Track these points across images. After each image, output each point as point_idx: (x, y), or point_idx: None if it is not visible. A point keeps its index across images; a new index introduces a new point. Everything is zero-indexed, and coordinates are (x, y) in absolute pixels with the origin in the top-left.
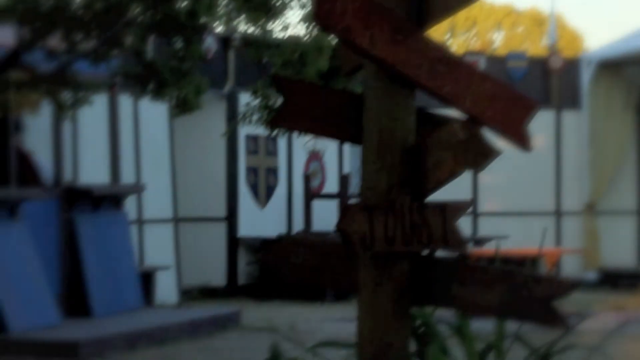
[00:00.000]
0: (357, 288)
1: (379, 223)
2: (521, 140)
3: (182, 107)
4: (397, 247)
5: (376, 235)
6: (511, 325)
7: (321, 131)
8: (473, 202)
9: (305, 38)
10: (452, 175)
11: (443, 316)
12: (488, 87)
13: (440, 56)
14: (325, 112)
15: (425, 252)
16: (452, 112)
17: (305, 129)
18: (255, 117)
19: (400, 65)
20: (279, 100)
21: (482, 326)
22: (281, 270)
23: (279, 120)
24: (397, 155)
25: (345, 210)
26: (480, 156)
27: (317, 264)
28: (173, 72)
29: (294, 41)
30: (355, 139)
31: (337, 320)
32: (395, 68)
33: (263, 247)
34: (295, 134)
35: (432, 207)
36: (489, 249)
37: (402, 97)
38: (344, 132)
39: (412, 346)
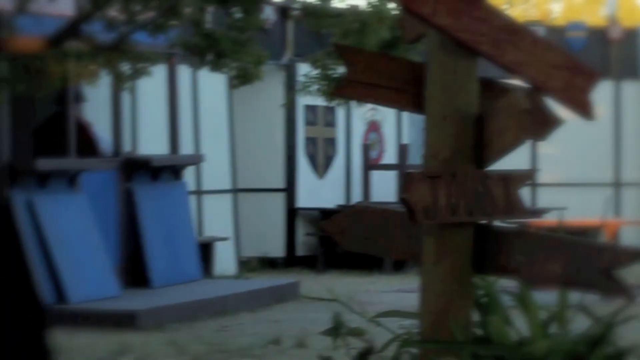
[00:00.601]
0: (419, 258)
1: (442, 192)
2: (585, 109)
3: (242, 78)
4: (460, 216)
5: (439, 204)
6: (574, 295)
7: (383, 100)
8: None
9: (366, 7)
10: (515, 144)
11: (506, 286)
12: (551, 56)
13: (504, 24)
14: (388, 81)
15: (487, 221)
16: (515, 81)
17: (367, 98)
18: (314, 88)
19: (463, 34)
20: (338, 71)
21: (545, 296)
22: (343, 239)
23: (341, 89)
24: (459, 124)
25: (408, 180)
26: (543, 125)
27: (380, 234)
28: (232, 42)
29: (354, 11)
30: (417, 108)
31: (395, 291)
32: (458, 36)
33: (325, 217)
34: (353, 104)
35: (495, 176)
36: (547, 219)
37: (465, 66)
38: (406, 101)
39: (475, 316)
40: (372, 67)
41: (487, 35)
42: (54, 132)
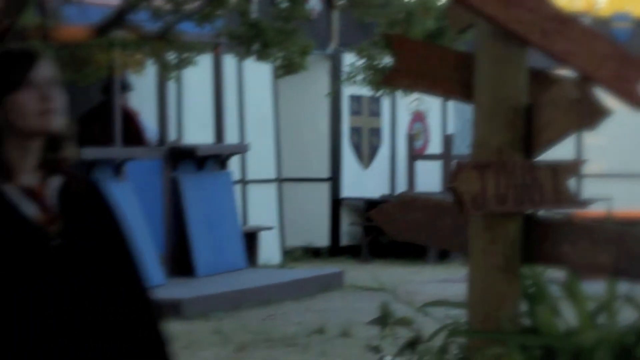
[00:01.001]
0: (467, 248)
1: (490, 182)
2: (633, 99)
3: (287, 67)
4: (508, 206)
5: (488, 194)
6: (622, 286)
7: (432, 89)
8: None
9: None
10: (564, 134)
11: (554, 276)
12: (600, 45)
13: (553, 14)
14: (437, 71)
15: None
16: (564, 71)
17: (416, 87)
18: (359, 78)
19: (512, 24)
20: (384, 61)
21: (593, 287)
22: (391, 229)
23: (390, 78)
24: (508, 114)
25: (457, 169)
26: (592, 115)
27: (428, 223)
28: (278, 32)
29: (399, 1)
30: (466, 97)
31: (440, 281)
32: (508, 26)
33: (370, 207)
34: (399, 94)
35: (544, 166)
36: (593, 210)
37: (514, 56)
38: (455, 90)
39: (523, 306)
40: (420, 57)
41: (536, 25)
42: (100, 120)
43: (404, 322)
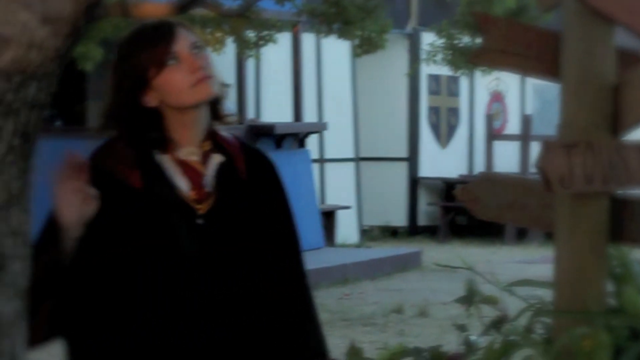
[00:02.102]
0: (553, 228)
1: (577, 162)
2: None
3: (366, 46)
4: (595, 186)
5: (575, 173)
6: None
7: (520, 68)
8: None
9: None
10: None
11: None
12: None
13: None
14: (525, 49)
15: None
16: None
17: (504, 66)
18: (439, 57)
19: (600, 2)
20: (463, 40)
21: None
22: (476, 208)
23: (478, 57)
24: (595, 93)
25: (544, 149)
26: None
27: (513, 203)
28: (358, 10)
29: None
30: (554, 76)
31: (518, 262)
32: (595, 4)
33: (448, 187)
34: (477, 74)
35: (631, 145)
36: None
37: (602, 34)
38: (543, 69)
39: (609, 287)
40: (508, 35)
41: (624, 3)
42: None
43: (490, 301)
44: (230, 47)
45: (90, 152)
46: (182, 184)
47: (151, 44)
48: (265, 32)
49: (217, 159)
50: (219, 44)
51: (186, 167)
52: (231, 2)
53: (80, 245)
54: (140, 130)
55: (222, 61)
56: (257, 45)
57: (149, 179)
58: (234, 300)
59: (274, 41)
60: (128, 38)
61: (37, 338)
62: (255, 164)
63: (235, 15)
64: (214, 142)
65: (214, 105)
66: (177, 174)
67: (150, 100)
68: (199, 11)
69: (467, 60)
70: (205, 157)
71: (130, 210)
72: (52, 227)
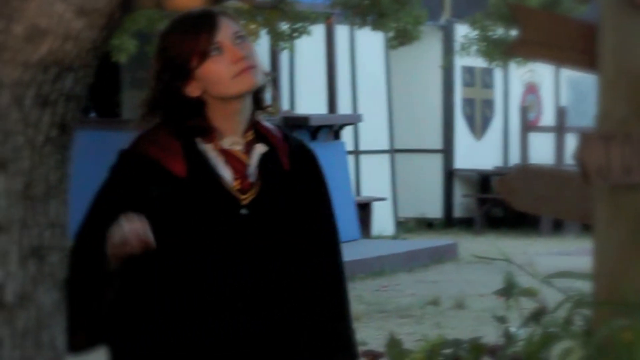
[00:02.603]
0: (591, 220)
1: (615, 153)
2: None
3: (401, 38)
4: (634, 177)
5: (613, 165)
6: None
7: (557, 60)
8: None
9: None
10: None
11: None
12: None
13: None
14: (562, 41)
15: None
16: None
17: (541, 58)
18: (473, 49)
19: None
20: (497, 31)
21: None
22: (514, 199)
23: (515, 49)
24: (633, 85)
25: (582, 140)
26: None
27: (551, 195)
28: (392, 2)
29: None
30: (592, 68)
31: (554, 254)
32: None
33: (483, 179)
34: (512, 66)
35: None
36: None
37: (638, 25)
38: (580, 60)
39: None
40: (545, 27)
41: None
42: None
43: (530, 293)
44: (263, 39)
45: (132, 139)
46: (226, 173)
47: (194, 34)
48: (299, 24)
49: (260, 149)
50: (253, 36)
51: (229, 157)
52: None
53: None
54: (182, 119)
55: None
56: (291, 37)
57: (193, 168)
58: (271, 292)
59: (308, 33)
60: (170, 27)
61: (80, 344)
62: (297, 155)
63: (269, 7)
64: (257, 132)
65: (257, 95)
66: (220, 163)
67: (193, 90)
68: (232, 3)
69: (501, 52)
70: (248, 147)
71: (175, 198)
72: (97, 238)
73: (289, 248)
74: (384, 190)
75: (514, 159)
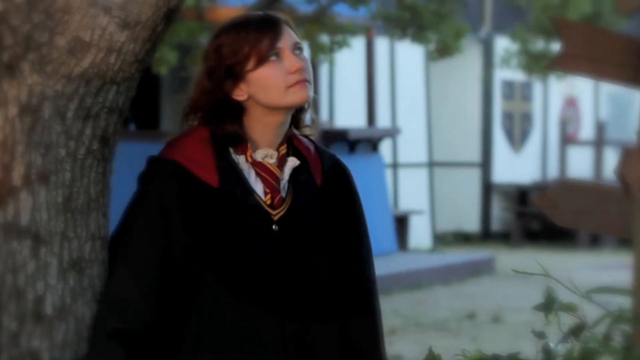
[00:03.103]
0: (632, 234)
1: None
2: None
3: (441, 50)
4: None
5: None
6: None
7: (601, 74)
8: None
9: None
10: None
11: None
12: None
13: None
14: (606, 55)
15: None
16: None
17: (584, 72)
18: (513, 62)
19: None
20: (538, 45)
21: None
22: (555, 214)
23: (558, 62)
24: None
25: (624, 155)
26: None
27: (592, 209)
28: (433, 14)
29: None
30: (636, 83)
31: (592, 268)
32: None
33: (521, 192)
34: (551, 79)
35: None
36: None
37: None
38: (624, 75)
39: None
40: (589, 41)
41: None
42: None
43: (570, 308)
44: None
45: (166, 145)
46: (258, 187)
47: (257, 35)
48: (339, 37)
49: (292, 162)
50: None
51: (262, 170)
52: (306, 6)
53: (156, 247)
54: (222, 122)
55: None
56: (331, 49)
57: (225, 179)
58: (303, 308)
59: (348, 45)
60: (230, 25)
61: None
62: (330, 170)
63: (310, 19)
64: (291, 144)
65: (297, 112)
66: (252, 176)
67: (240, 93)
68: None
69: (542, 65)
70: (281, 161)
71: (207, 209)
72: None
73: (319, 264)
74: (422, 203)
75: (552, 172)
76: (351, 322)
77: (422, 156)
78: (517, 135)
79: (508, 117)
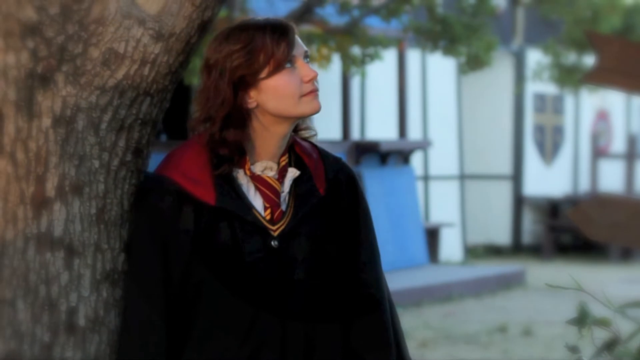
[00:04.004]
0: None
1: None
2: None
3: (473, 63)
4: None
5: None
6: None
7: (633, 88)
8: None
9: None
10: None
11: None
12: None
13: None
14: (639, 69)
15: None
16: None
17: (620, 87)
18: (545, 75)
19: None
20: (570, 58)
21: None
22: (589, 228)
23: (592, 77)
24: None
25: None
26: None
27: (627, 224)
28: (465, 27)
29: None
30: None
31: (624, 282)
32: None
33: (552, 206)
34: (583, 93)
35: None
36: None
37: None
38: None
39: None
40: (625, 56)
41: None
42: None
43: (603, 322)
44: (335, 64)
45: (164, 158)
46: (257, 201)
47: (273, 42)
48: (370, 49)
49: (292, 173)
50: (325, 60)
51: (262, 183)
52: (338, 18)
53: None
54: (225, 131)
55: (327, 77)
56: (363, 62)
57: (222, 196)
58: (309, 326)
59: (380, 58)
60: (241, 30)
61: None
62: (335, 176)
63: (342, 32)
64: (293, 153)
65: (301, 125)
66: (251, 190)
67: (249, 101)
68: (305, 27)
69: (576, 79)
70: (281, 172)
71: (204, 227)
72: None
73: (324, 278)
74: (453, 216)
75: (584, 185)
76: (354, 324)
77: (453, 169)
78: (549, 148)
79: (539, 129)
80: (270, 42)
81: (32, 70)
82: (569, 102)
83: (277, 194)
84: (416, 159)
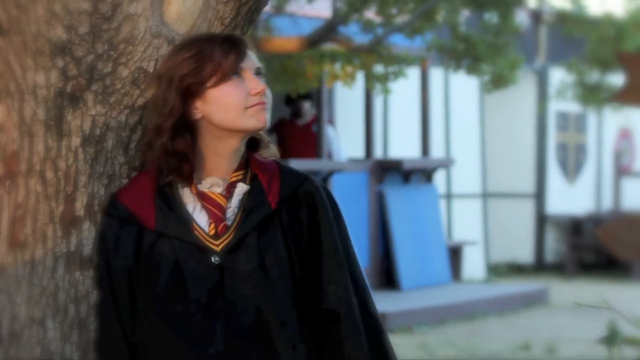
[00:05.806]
0: None
1: None
2: None
3: (497, 82)
4: None
5: None
6: None
7: None
8: None
9: (622, 14)
10: None
11: None
12: None
13: None
14: None
15: None
16: None
17: None
18: (569, 94)
19: None
20: (593, 77)
21: None
22: (617, 248)
23: (622, 96)
24: None
25: None
26: None
27: None
28: (488, 46)
29: (609, 17)
30: None
31: None
32: None
33: (575, 224)
34: (605, 111)
35: None
36: None
37: None
38: None
39: None
40: None
41: None
42: (287, 132)
43: (633, 341)
44: (358, 82)
45: (127, 182)
46: (202, 218)
47: (222, 52)
48: (394, 67)
49: (241, 188)
50: (350, 78)
51: (206, 200)
52: (362, 36)
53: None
54: (174, 139)
55: (350, 95)
56: (387, 79)
57: (162, 218)
58: (256, 348)
59: (404, 76)
60: (193, 42)
61: None
62: (293, 191)
63: (366, 50)
64: (250, 169)
65: (253, 140)
66: (196, 208)
67: (195, 112)
68: (329, 45)
69: (599, 97)
70: (230, 188)
71: (146, 249)
72: None
73: (273, 295)
74: (476, 234)
75: (607, 204)
76: (317, 340)
77: (476, 187)
78: (571, 166)
79: (562, 148)
80: (219, 52)
81: (61, 89)
82: (591, 120)
83: (222, 209)
84: (439, 177)
